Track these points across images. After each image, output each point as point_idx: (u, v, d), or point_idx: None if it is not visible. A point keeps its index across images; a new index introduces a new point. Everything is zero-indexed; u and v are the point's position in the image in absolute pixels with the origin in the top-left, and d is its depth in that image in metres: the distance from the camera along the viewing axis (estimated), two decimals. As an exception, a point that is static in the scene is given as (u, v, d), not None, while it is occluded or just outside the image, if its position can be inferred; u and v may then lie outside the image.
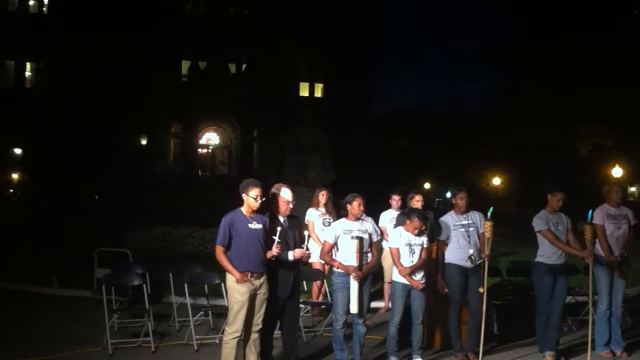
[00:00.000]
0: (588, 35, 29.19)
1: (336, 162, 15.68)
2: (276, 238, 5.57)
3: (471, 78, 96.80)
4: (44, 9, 35.93)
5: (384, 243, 8.51)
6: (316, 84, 39.27)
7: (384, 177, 29.98)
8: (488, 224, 6.36)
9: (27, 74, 36.50)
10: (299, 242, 5.89)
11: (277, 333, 6.11)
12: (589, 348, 6.37)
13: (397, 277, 6.27)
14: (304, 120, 15.70)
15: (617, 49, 27.97)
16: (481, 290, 6.39)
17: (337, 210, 8.43)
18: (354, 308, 5.99)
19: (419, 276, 6.24)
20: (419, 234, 6.28)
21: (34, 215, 23.16)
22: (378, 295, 9.38)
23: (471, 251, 6.52)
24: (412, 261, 6.21)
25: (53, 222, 20.05)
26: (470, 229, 6.59)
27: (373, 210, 6.80)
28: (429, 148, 44.80)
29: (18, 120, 31.09)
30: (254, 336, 5.66)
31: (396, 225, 7.26)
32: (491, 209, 6.47)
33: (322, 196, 8.75)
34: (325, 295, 8.49)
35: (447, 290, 6.57)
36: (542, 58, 31.26)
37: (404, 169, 41.41)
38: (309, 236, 5.99)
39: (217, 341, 6.84)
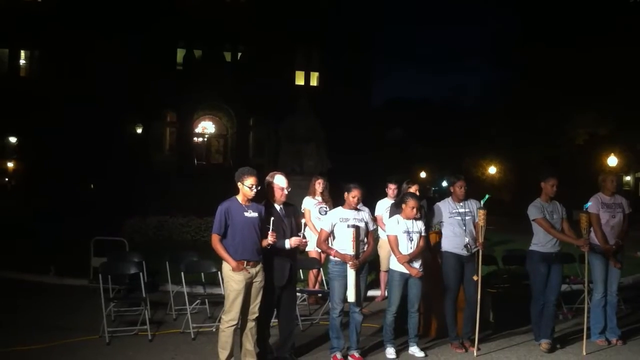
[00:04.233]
0: (587, 36, 29.26)
1: (332, 151, 15.70)
2: (271, 227, 5.58)
3: (469, 73, 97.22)
4: (38, -4, 35.68)
5: (379, 232, 8.52)
6: (312, 73, 39.13)
7: (380, 166, 29.98)
8: (482, 212, 6.38)
9: (22, 62, 36.28)
10: (296, 230, 5.89)
11: (273, 321, 6.13)
12: (585, 336, 6.41)
13: (395, 265, 6.26)
14: (299, 108, 15.69)
15: (617, 49, 28.09)
16: (475, 278, 6.42)
17: (333, 199, 8.44)
18: (350, 296, 5.99)
19: (417, 264, 6.25)
20: (417, 220, 6.27)
21: (30, 205, 23.10)
22: (374, 283, 9.42)
23: (467, 239, 6.54)
24: (411, 248, 6.21)
25: (49, 211, 20.04)
26: (467, 218, 6.61)
27: (369, 200, 6.79)
28: (426, 138, 44.79)
29: (12, 109, 30.96)
30: (251, 324, 5.68)
31: (390, 216, 7.25)
32: (486, 196, 6.48)
33: (319, 185, 8.75)
34: (321, 283, 8.51)
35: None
36: (540, 56, 31.32)
37: (400, 158, 41.38)
38: (306, 224, 5.99)
39: (214, 329, 6.85)
